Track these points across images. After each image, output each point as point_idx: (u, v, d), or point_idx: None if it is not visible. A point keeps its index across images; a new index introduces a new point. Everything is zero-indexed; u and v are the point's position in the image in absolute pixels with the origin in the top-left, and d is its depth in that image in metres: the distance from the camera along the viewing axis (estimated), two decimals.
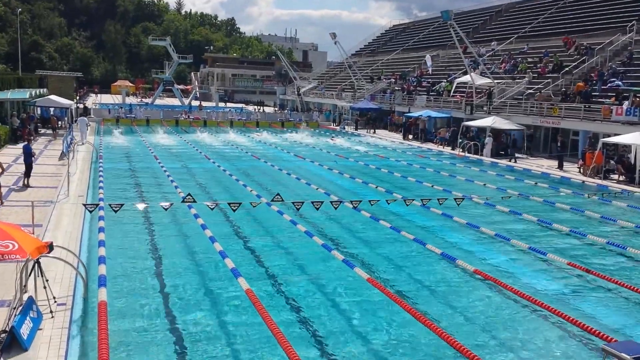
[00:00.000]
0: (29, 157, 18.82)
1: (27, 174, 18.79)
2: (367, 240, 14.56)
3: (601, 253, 14.04)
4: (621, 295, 11.14)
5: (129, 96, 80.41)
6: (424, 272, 12.17)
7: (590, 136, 29.52)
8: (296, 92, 68.51)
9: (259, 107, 73.25)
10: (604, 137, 26.68)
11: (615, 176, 25.09)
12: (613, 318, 10.11)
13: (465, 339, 8.56)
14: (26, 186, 18.51)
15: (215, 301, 10.10)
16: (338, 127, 51.36)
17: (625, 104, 28.23)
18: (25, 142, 19.92)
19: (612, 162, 25.55)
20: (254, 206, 14.78)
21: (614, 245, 14.13)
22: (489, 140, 32.25)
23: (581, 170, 26.61)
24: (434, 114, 40.96)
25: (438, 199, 15.03)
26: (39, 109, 40.47)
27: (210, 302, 10.06)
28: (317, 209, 13.42)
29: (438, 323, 9.07)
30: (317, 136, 44.04)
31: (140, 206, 13.34)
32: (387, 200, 15.37)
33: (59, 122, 40.90)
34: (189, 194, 13.35)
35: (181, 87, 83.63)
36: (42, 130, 36.74)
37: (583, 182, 24.49)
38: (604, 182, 23.98)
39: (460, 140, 34.58)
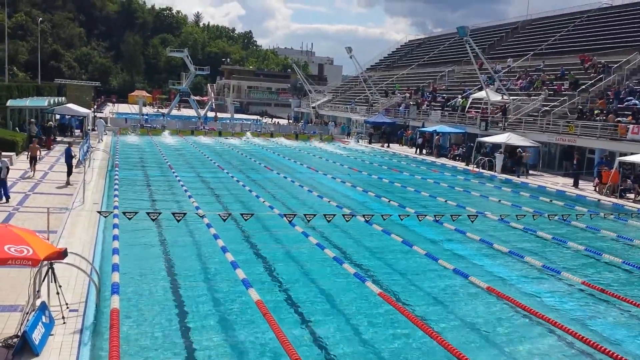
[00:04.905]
0: (69, 158, 21.02)
1: (69, 172, 21.06)
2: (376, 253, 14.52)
3: (617, 272, 13.89)
4: (636, 315, 10.97)
5: (145, 106, 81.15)
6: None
7: (606, 154, 29.26)
8: (311, 107, 68.73)
9: (262, 118, 73.79)
10: (620, 156, 26.44)
11: (632, 195, 24.80)
12: (627, 338, 9.96)
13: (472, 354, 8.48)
14: (67, 184, 20.52)
15: (225, 313, 10.11)
16: (351, 140, 51.39)
17: None
18: (67, 145, 22.22)
19: (629, 181, 25.29)
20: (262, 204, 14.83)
21: (629, 264, 13.96)
22: (499, 157, 32.13)
23: (597, 188, 26.35)
24: (448, 129, 40.91)
25: (468, 216, 14.95)
26: (57, 116, 41.08)
27: (221, 313, 10.06)
28: (329, 221, 13.43)
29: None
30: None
31: (154, 215, 13.37)
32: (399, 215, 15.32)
33: (75, 131, 41.46)
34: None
35: (197, 98, 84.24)
36: (60, 138, 37.15)
37: (599, 200, 24.24)
38: (620, 201, 23.72)
39: (474, 156, 34.46)
